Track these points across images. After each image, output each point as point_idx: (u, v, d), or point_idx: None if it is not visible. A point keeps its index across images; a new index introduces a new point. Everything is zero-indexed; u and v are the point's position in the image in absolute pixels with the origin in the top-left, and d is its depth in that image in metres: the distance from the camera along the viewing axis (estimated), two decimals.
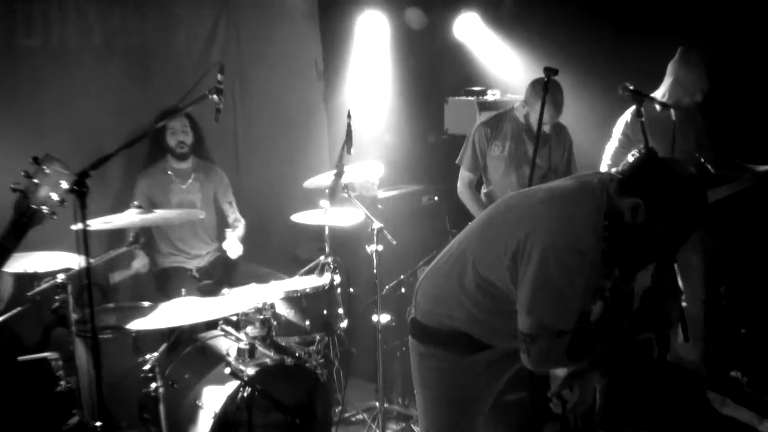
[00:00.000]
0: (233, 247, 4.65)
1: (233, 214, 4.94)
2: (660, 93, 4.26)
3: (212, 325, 3.91)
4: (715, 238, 4.84)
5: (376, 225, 4.10)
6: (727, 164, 4.31)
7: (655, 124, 4.34)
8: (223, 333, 3.87)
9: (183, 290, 3.84)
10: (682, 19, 4.74)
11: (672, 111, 3.45)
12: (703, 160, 4.27)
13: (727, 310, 4.82)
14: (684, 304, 4.58)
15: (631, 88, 3.76)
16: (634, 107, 4.43)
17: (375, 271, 4.11)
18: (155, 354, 3.45)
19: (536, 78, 4.19)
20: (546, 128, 4.28)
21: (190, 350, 3.81)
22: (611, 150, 4.47)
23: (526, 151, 4.38)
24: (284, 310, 3.95)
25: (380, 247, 4.12)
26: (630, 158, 4.14)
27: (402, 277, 4.43)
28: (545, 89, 3.68)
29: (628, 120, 4.39)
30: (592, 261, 2.18)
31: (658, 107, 4.26)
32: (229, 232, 4.69)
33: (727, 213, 4.70)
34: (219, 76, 3.33)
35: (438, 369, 2.57)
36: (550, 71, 3.68)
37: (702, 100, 4.24)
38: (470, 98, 5.33)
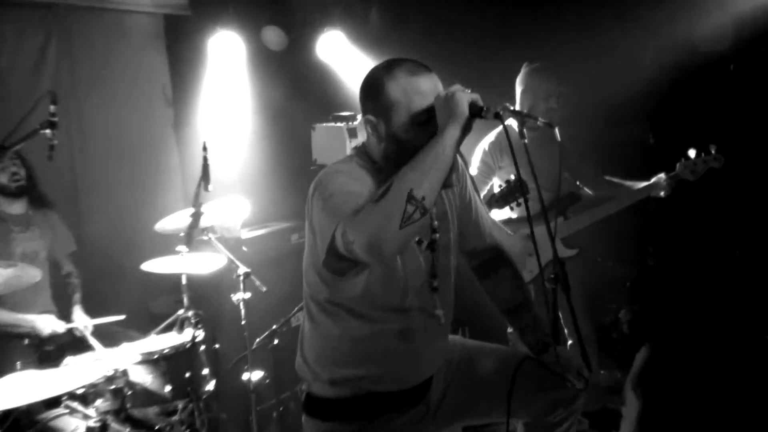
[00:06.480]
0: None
1: (68, 266, 4.72)
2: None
3: (55, 402, 3.62)
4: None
5: (242, 270, 4.09)
6: (602, 183, 4.41)
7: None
8: (68, 410, 3.60)
9: (18, 363, 3.57)
10: (561, 37, 4.86)
11: (525, 131, 3.52)
12: (578, 182, 4.39)
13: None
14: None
15: (512, 108, 3.78)
16: (492, 135, 4.52)
17: (243, 322, 4.08)
18: None
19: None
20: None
21: None
22: None
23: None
24: (140, 377, 3.84)
25: (248, 295, 4.12)
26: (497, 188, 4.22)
27: (275, 327, 4.30)
28: None
29: (486, 148, 4.48)
30: (351, 172, 2.37)
31: (516, 129, 4.34)
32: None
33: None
34: (51, 107, 3.28)
35: None
36: None
37: (557, 107, 4.32)
38: (339, 124, 5.23)
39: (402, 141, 2.30)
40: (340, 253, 2.16)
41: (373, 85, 2.33)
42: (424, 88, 2.28)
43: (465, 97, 2.20)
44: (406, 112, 2.27)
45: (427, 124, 2.25)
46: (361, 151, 2.47)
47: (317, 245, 2.31)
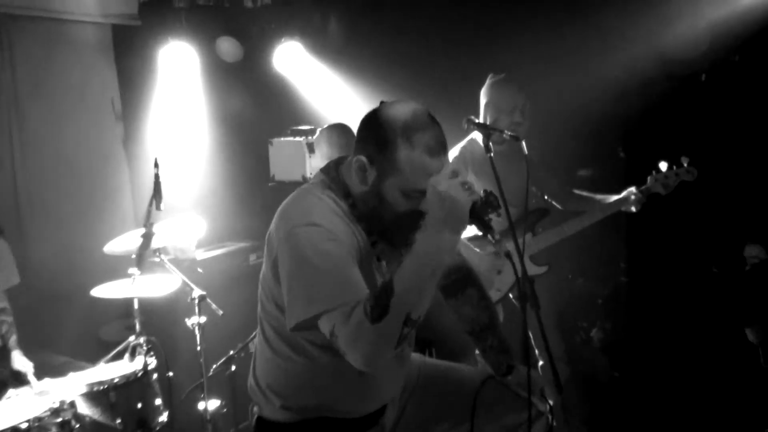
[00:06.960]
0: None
1: (2, 301, 4.36)
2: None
3: None
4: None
5: (197, 293, 4.03)
6: (571, 197, 4.39)
7: (478, 162, 4.37)
8: None
9: None
10: (529, 48, 4.85)
11: (492, 146, 3.48)
12: (546, 196, 4.38)
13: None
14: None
15: (477, 120, 3.74)
16: (456, 149, 4.48)
17: (199, 348, 4.03)
18: None
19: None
20: None
21: None
22: None
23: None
24: (88, 409, 3.71)
25: (203, 319, 4.05)
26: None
27: (232, 352, 4.25)
28: None
29: (456, 154, 4.43)
30: (324, 220, 2.23)
31: (481, 144, 4.31)
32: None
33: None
34: None
35: None
36: None
37: (522, 120, 4.23)
38: (298, 138, 5.19)
39: (386, 202, 2.25)
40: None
41: (383, 135, 2.20)
42: (433, 172, 2.18)
43: (467, 201, 2.06)
44: (403, 182, 2.19)
45: (417, 199, 2.18)
46: (334, 179, 2.38)
47: (283, 301, 2.24)
